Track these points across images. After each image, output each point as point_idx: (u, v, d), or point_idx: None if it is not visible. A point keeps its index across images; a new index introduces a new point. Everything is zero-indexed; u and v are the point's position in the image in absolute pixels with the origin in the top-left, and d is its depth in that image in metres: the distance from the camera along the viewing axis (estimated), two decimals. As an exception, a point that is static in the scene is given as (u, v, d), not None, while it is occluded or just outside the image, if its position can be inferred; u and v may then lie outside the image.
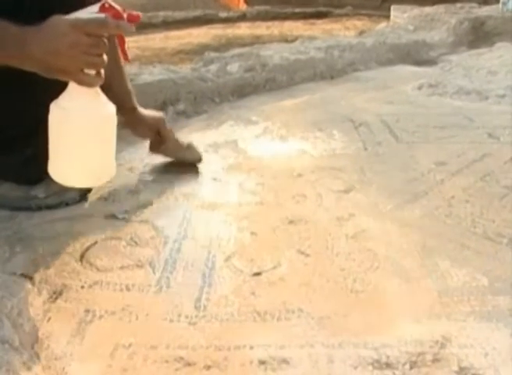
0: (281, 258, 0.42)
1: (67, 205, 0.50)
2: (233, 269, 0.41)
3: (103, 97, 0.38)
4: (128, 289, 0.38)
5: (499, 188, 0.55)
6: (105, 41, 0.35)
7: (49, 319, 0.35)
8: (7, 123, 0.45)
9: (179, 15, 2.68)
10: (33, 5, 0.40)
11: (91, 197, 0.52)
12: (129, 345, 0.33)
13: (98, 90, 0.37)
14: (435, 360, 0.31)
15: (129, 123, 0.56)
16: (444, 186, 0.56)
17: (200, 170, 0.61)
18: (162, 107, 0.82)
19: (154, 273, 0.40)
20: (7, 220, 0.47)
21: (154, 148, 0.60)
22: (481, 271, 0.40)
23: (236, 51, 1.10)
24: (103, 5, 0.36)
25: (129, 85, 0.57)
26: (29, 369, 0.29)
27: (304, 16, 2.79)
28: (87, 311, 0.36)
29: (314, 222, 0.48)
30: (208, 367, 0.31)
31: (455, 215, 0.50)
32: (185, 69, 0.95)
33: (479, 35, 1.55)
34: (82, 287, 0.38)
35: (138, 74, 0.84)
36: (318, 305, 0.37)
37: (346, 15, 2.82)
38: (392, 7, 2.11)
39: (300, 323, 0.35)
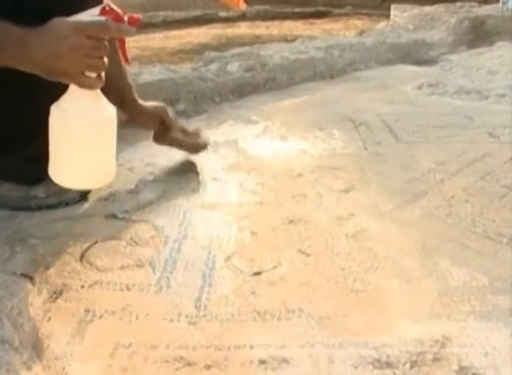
0: (281, 258, 0.42)
1: (67, 204, 0.50)
2: (233, 268, 0.41)
3: (103, 99, 0.38)
4: (128, 289, 0.38)
5: (500, 188, 0.55)
6: (106, 43, 0.36)
7: (49, 318, 0.35)
8: (7, 123, 0.45)
9: (179, 15, 2.69)
10: (34, 6, 0.40)
11: (91, 197, 0.52)
12: (130, 345, 0.33)
13: (99, 92, 0.38)
14: (436, 359, 0.31)
15: (131, 115, 0.56)
16: (444, 185, 0.56)
17: (200, 170, 0.61)
18: (162, 107, 0.83)
19: (154, 272, 0.40)
20: (7, 220, 0.47)
21: (159, 139, 0.58)
22: (482, 271, 0.40)
23: (236, 50, 1.10)
24: (104, 8, 0.36)
25: (130, 79, 0.57)
26: (29, 368, 0.29)
27: (304, 16, 2.79)
28: (87, 311, 0.36)
29: (315, 221, 0.48)
30: (209, 367, 0.31)
31: (455, 214, 0.50)
32: (185, 69, 0.95)
33: (479, 34, 1.54)
34: (82, 286, 0.38)
35: (138, 74, 0.84)
36: (319, 304, 0.37)
37: (346, 14, 2.82)
38: (392, 6, 2.11)
39: (300, 322, 0.35)
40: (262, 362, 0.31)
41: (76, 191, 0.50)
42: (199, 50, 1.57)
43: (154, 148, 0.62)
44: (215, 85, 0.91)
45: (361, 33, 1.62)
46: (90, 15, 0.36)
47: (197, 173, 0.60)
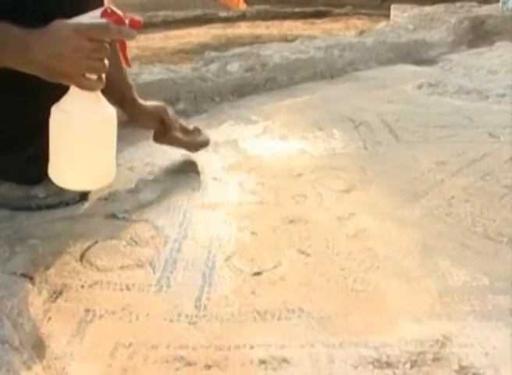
0: (281, 258, 0.42)
1: (67, 204, 0.50)
2: (234, 268, 0.41)
3: (104, 100, 0.38)
4: (128, 289, 0.38)
5: (500, 188, 0.55)
6: (107, 45, 0.36)
7: (49, 318, 0.35)
8: (8, 124, 0.45)
9: (179, 14, 2.68)
10: (36, 8, 0.40)
11: (91, 197, 0.52)
12: (130, 345, 0.33)
13: (99, 93, 0.38)
14: (436, 359, 0.31)
15: (131, 115, 0.56)
16: (444, 185, 0.56)
17: (200, 170, 0.61)
18: (162, 107, 0.83)
19: (154, 272, 0.40)
20: (7, 220, 0.47)
21: (159, 138, 0.58)
22: (482, 270, 0.40)
23: (236, 50, 1.10)
24: (105, 10, 0.36)
25: (130, 79, 0.57)
26: (29, 368, 0.29)
27: (304, 16, 2.78)
28: (87, 311, 0.36)
29: (315, 221, 0.48)
30: (209, 367, 0.31)
31: (455, 214, 0.50)
32: (185, 69, 0.95)
33: (479, 34, 1.54)
34: (82, 286, 0.38)
35: (138, 74, 0.84)
36: (319, 304, 0.37)
37: (346, 14, 2.81)
38: (392, 6, 2.11)
39: (300, 322, 0.35)
40: (262, 361, 0.31)
41: (76, 191, 0.50)
42: (199, 50, 1.57)
43: (154, 148, 0.62)
44: (215, 85, 0.91)
45: (361, 33, 1.61)
46: (92, 17, 0.36)
47: (197, 173, 0.60)
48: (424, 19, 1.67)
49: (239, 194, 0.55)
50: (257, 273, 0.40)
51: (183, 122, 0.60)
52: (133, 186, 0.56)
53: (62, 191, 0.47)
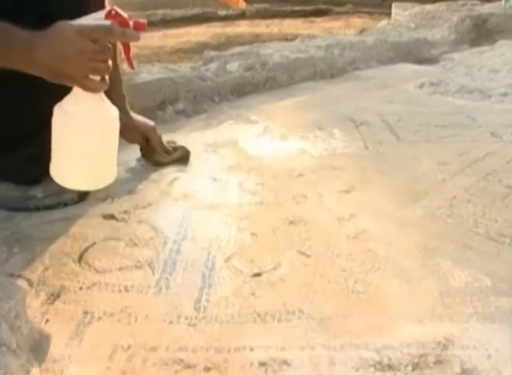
0: (281, 259, 0.42)
1: (65, 205, 0.50)
2: (233, 269, 0.41)
3: (107, 101, 0.38)
4: (127, 290, 0.38)
5: (502, 188, 0.55)
6: (111, 47, 0.36)
7: (47, 321, 0.35)
8: (8, 124, 0.45)
9: (178, 13, 2.67)
10: (34, 9, 0.40)
11: (90, 197, 0.52)
12: (128, 347, 0.32)
13: (102, 94, 0.38)
14: (438, 362, 0.31)
15: (121, 127, 0.58)
16: (446, 185, 0.56)
17: (199, 170, 0.60)
18: (161, 106, 0.82)
19: (153, 274, 0.40)
20: (5, 221, 0.47)
21: (146, 157, 0.61)
22: (484, 271, 0.40)
23: (236, 49, 1.10)
24: (109, 11, 0.36)
25: (124, 90, 0.57)
26: (27, 372, 0.29)
27: (304, 14, 2.77)
28: (86, 312, 0.35)
29: (315, 222, 0.48)
30: (208, 369, 0.31)
31: (457, 215, 0.49)
32: (184, 68, 0.94)
33: (481, 33, 1.53)
34: (80, 288, 0.38)
35: (136, 73, 0.83)
36: (319, 306, 0.36)
37: (347, 13, 2.79)
38: (393, 4, 2.09)
39: (300, 324, 0.34)
40: (262, 364, 0.31)
41: (75, 191, 0.49)
42: (198, 49, 1.56)
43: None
44: (214, 84, 0.90)
45: (362, 31, 1.60)
46: (96, 18, 0.36)
47: (196, 173, 0.60)
48: (425, 18, 1.66)
49: (239, 194, 0.55)
50: (257, 274, 0.40)
51: (165, 146, 0.61)
52: (131, 187, 0.56)
53: (60, 191, 0.48)
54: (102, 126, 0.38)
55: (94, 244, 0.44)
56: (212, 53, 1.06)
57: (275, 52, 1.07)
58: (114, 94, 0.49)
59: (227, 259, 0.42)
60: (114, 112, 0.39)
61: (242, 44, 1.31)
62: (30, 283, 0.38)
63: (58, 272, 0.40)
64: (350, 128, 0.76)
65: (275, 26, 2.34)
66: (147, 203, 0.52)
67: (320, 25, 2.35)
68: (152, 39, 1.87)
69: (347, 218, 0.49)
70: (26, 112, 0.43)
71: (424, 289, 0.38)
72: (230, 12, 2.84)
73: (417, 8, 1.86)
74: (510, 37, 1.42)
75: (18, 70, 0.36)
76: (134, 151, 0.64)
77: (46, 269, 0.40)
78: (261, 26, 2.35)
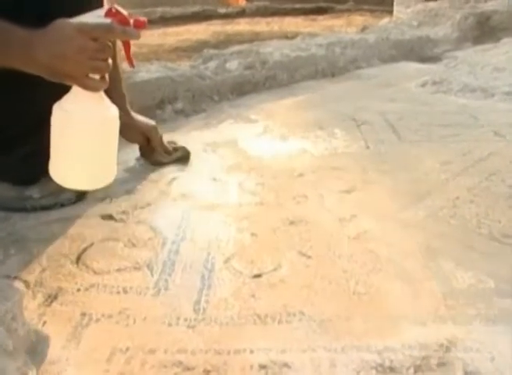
0: (282, 260, 0.42)
1: (63, 205, 0.50)
2: (233, 271, 0.40)
3: (107, 100, 0.38)
4: (125, 292, 0.38)
5: (505, 188, 0.54)
6: (111, 45, 0.35)
7: (44, 323, 0.34)
8: (6, 123, 0.44)
9: (177, 11, 2.66)
10: (34, 8, 0.40)
11: (88, 197, 0.52)
12: (127, 349, 0.32)
13: (102, 93, 0.37)
14: (440, 364, 0.31)
15: (121, 126, 0.57)
16: (448, 186, 0.55)
17: (198, 170, 0.60)
18: (160, 105, 0.81)
19: (152, 275, 0.39)
20: (1, 221, 0.47)
21: (145, 157, 0.61)
22: (487, 273, 0.40)
23: (236, 48, 1.09)
24: (110, 9, 0.35)
25: (124, 89, 0.57)
26: (24, 374, 0.28)
27: (305, 12, 2.76)
28: (83, 314, 0.35)
29: (316, 223, 0.48)
30: (208, 372, 0.30)
31: (460, 215, 0.49)
32: (183, 67, 0.93)
33: (485, 30, 1.51)
34: (78, 290, 0.38)
35: (135, 72, 0.83)
36: (320, 307, 0.36)
37: (348, 10, 2.78)
38: (395, 2, 2.09)
39: (301, 326, 0.34)
40: (263, 366, 0.31)
41: (73, 191, 0.49)
42: (197, 47, 1.55)
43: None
44: (213, 83, 0.90)
45: (363, 29, 1.59)
46: (95, 16, 0.35)
47: (195, 173, 0.59)
48: (428, 15, 1.65)
49: (238, 194, 0.54)
50: (257, 276, 0.40)
51: (166, 146, 0.61)
52: (130, 187, 0.55)
53: (57, 191, 0.47)
54: (102, 125, 0.38)
55: (91, 244, 0.43)
56: (212, 51, 1.05)
57: (275, 51, 1.06)
58: (114, 93, 0.48)
59: (227, 260, 0.42)
60: (114, 111, 0.39)
61: (242, 42, 1.31)
62: (26, 284, 0.37)
63: (55, 273, 0.39)
64: (351, 127, 0.75)
65: (275, 24, 2.33)
66: (146, 203, 0.52)
67: (321, 23, 2.33)
68: (151, 37, 1.86)
69: (348, 218, 0.48)
70: (25, 111, 0.43)
71: (426, 290, 0.38)
72: (230, 9, 2.83)
73: (420, 6, 1.85)
74: (514, 34, 1.41)
75: (16, 69, 0.36)
76: (133, 151, 0.63)
77: (43, 270, 0.39)
78: (261, 24, 2.34)
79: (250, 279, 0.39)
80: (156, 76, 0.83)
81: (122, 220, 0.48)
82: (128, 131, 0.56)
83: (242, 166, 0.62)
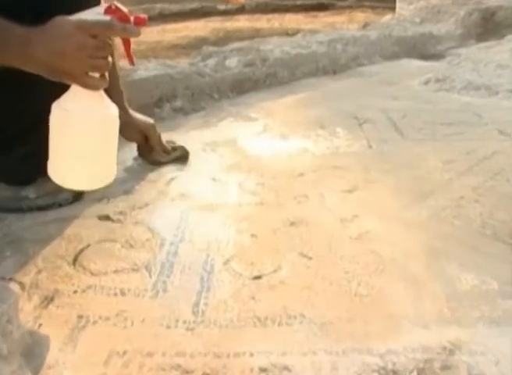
0: (282, 261, 0.41)
1: (59, 206, 0.49)
2: (232, 272, 0.40)
3: (106, 99, 0.37)
4: (123, 293, 0.37)
5: (510, 187, 0.54)
6: (110, 43, 0.35)
7: (40, 325, 0.34)
8: (5, 123, 0.44)
9: (176, 7, 2.63)
10: (33, 5, 0.39)
11: (85, 198, 0.51)
12: (124, 352, 0.31)
13: (102, 92, 0.37)
14: (444, 367, 0.30)
15: (119, 125, 0.57)
16: (452, 185, 0.55)
17: (197, 170, 0.59)
18: (158, 103, 0.81)
19: (150, 276, 0.39)
20: (-3, 222, 0.46)
21: (143, 156, 0.60)
22: (491, 274, 0.39)
23: (235, 45, 1.08)
24: (110, 6, 0.34)
25: (121, 86, 0.56)
26: (19, 378, 0.28)
27: (306, 9, 2.73)
28: (80, 317, 0.34)
29: (317, 223, 0.47)
30: (207, 375, 0.30)
31: (464, 215, 0.48)
32: (182, 64, 0.92)
33: (489, 27, 1.50)
34: (75, 291, 0.37)
35: (133, 69, 0.82)
36: (321, 309, 0.35)
37: (350, 7, 2.75)
38: (397, -2, 2.06)
39: (302, 328, 0.34)
40: (263, 370, 0.30)
41: (69, 191, 0.48)
42: (196, 44, 1.53)
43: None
44: (213, 81, 0.89)
45: (365, 26, 1.57)
46: (95, 13, 0.35)
47: (194, 172, 0.59)
48: (431, 12, 1.63)
49: (238, 194, 0.54)
50: (257, 277, 0.39)
51: (164, 145, 0.60)
52: (127, 187, 0.54)
53: (54, 191, 0.47)
54: (102, 125, 0.37)
55: (88, 245, 0.43)
56: (211, 48, 1.04)
57: (275, 48, 1.05)
58: (111, 91, 0.48)
59: (226, 262, 0.41)
60: (114, 109, 0.38)
61: (241, 39, 1.29)
62: (22, 286, 0.37)
63: (51, 275, 0.39)
64: (353, 126, 0.74)
65: (275, 21, 2.31)
66: (144, 203, 0.51)
67: (322, 20, 2.31)
68: (150, 34, 1.85)
69: (350, 218, 0.48)
70: (23, 110, 0.42)
71: (429, 292, 0.37)
72: (229, 6, 2.80)
73: (423, 2, 1.82)
74: (519, 31, 1.39)
75: (15, 68, 0.35)
76: (131, 150, 0.63)
77: (39, 271, 0.39)
78: (262, 21, 2.32)
79: (249, 281, 0.39)
80: (154, 73, 0.82)
81: (119, 221, 0.47)
82: (126, 129, 0.55)
83: (242, 165, 0.61)
